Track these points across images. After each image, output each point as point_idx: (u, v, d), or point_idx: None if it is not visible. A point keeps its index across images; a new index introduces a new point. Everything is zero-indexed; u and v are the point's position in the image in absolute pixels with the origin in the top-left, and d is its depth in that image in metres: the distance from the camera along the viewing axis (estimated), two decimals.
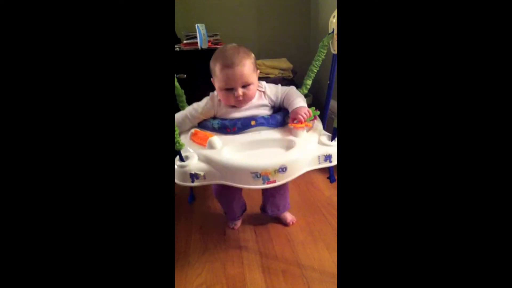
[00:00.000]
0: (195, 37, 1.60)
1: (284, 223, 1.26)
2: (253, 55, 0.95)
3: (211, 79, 0.98)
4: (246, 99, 0.94)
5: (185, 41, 1.63)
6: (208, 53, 1.55)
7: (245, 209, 1.26)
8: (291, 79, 1.87)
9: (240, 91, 0.91)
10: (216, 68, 0.91)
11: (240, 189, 1.16)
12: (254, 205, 1.35)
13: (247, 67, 0.90)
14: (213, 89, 0.99)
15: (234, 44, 0.95)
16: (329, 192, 1.45)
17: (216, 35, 1.72)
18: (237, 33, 2.00)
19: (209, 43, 1.60)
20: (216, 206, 1.40)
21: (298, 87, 1.92)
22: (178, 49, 1.56)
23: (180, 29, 1.79)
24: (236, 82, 0.90)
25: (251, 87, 0.93)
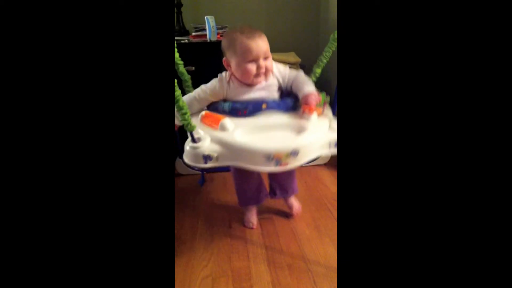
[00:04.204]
0: (204, 29, 1.59)
1: (289, 211, 1.26)
2: None
3: (223, 60, 0.97)
4: (267, 72, 0.94)
5: (194, 33, 1.62)
6: (217, 46, 1.55)
7: (267, 194, 1.22)
8: None
9: (263, 62, 0.92)
10: (236, 43, 0.91)
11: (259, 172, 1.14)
12: None
13: (265, 40, 0.92)
14: None
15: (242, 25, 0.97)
16: (335, 188, 1.45)
17: (225, 27, 1.71)
18: None
19: (218, 36, 1.59)
20: (222, 198, 1.41)
21: None
22: (186, 41, 1.55)
23: (189, 21, 1.78)
24: (259, 53, 0.91)
25: (270, 59, 0.94)
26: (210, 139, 0.82)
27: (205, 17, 1.52)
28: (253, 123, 0.87)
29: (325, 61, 1.05)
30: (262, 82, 0.97)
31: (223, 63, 0.98)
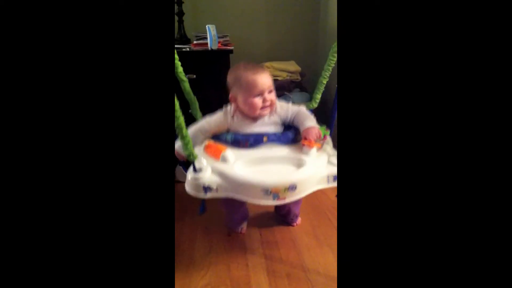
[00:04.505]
0: (205, 38, 1.60)
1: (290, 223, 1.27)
2: None
3: (230, 96, 1.00)
4: (272, 105, 0.97)
5: (195, 42, 1.63)
6: (218, 54, 1.56)
7: (246, 217, 1.26)
8: (299, 82, 1.86)
9: (268, 96, 0.95)
10: (242, 78, 0.95)
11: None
12: (259, 207, 1.35)
13: (269, 74, 0.96)
14: (220, 92, 1.00)
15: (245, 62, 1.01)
16: (335, 197, 1.45)
17: (226, 36, 1.72)
18: (247, 35, 2.00)
19: (219, 44, 1.60)
20: (221, 207, 1.40)
21: (305, 90, 1.91)
22: (188, 49, 1.56)
23: (190, 29, 1.80)
24: (264, 87, 0.94)
25: (274, 93, 0.98)
26: (211, 169, 0.84)
27: (206, 26, 1.54)
28: (253, 155, 0.89)
29: (325, 82, 1.07)
30: (265, 117, 1.00)
31: (229, 99, 1.01)
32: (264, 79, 0.94)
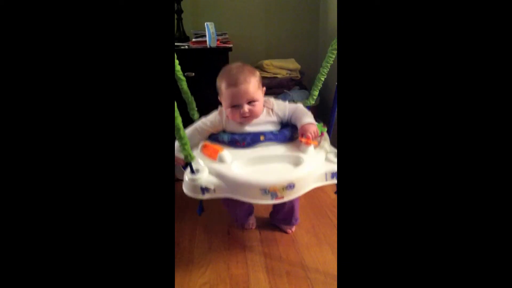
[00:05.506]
0: (204, 36, 1.59)
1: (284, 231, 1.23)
2: (258, 73, 0.98)
3: (218, 97, 1.00)
4: (252, 115, 0.95)
5: (194, 40, 1.63)
6: (216, 52, 1.56)
7: (251, 212, 1.26)
8: (299, 80, 1.86)
9: (246, 107, 0.93)
10: (222, 87, 0.95)
11: None
12: (259, 207, 1.34)
13: (252, 84, 0.92)
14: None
15: (239, 63, 0.98)
16: (335, 195, 1.44)
17: (224, 34, 1.72)
18: (246, 33, 1.99)
19: (218, 42, 1.60)
20: (220, 206, 1.40)
21: (304, 88, 1.90)
22: (186, 47, 1.56)
23: (189, 27, 1.79)
24: (241, 99, 0.92)
25: (257, 103, 0.95)
26: (208, 170, 0.84)
27: (205, 24, 1.53)
28: (251, 154, 0.89)
29: (323, 79, 1.06)
30: (260, 117, 0.98)
31: (219, 100, 1.01)
32: (242, 92, 0.91)
